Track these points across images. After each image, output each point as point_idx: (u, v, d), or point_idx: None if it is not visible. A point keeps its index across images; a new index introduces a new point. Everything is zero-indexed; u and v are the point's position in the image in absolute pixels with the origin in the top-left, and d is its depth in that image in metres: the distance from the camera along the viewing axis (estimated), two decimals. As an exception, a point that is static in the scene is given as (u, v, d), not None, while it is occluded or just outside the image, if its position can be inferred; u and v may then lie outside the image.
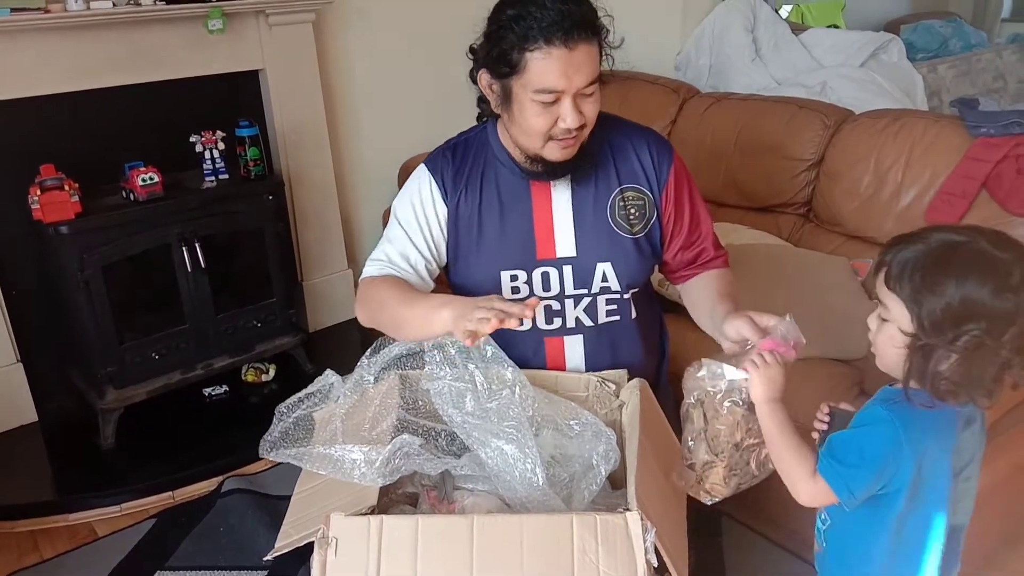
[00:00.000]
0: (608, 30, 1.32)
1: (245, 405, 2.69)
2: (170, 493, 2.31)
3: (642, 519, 1.14)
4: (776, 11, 3.99)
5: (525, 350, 1.50)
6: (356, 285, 3.21)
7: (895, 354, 1.10)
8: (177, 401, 2.58)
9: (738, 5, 3.27)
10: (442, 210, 1.50)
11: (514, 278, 1.48)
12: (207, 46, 2.59)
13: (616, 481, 1.50)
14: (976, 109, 2.14)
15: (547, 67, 1.25)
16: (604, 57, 1.32)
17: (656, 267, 1.59)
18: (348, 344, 3.12)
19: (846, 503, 1.12)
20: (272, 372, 2.79)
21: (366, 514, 1.18)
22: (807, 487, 1.15)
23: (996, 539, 1.93)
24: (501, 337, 1.39)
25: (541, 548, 1.13)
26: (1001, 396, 1.08)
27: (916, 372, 1.06)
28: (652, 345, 1.61)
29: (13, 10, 2.19)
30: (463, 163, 1.49)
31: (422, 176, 1.51)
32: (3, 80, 2.28)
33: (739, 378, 1.23)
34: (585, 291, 1.48)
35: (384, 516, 1.17)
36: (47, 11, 2.25)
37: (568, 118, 1.29)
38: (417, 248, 1.50)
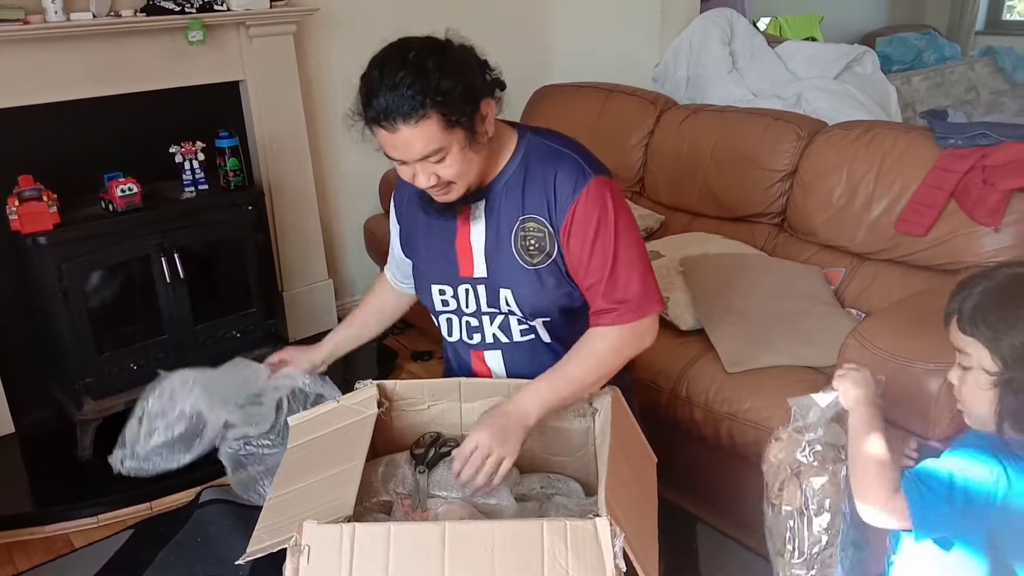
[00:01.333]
0: (465, 93, 1.30)
1: (225, 415, 2.69)
2: (148, 504, 2.30)
3: (611, 525, 1.16)
4: (754, 24, 4.05)
5: (459, 363, 1.62)
6: (336, 295, 3.25)
7: (984, 399, 1.08)
8: (156, 412, 2.58)
9: (715, 18, 3.31)
10: (396, 228, 1.66)
11: (442, 291, 1.55)
12: (187, 57, 2.60)
13: (590, 488, 1.52)
14: (945, 120, 2.19)
15: (382, 140, 1.34)
16: (455, 123, 1.30)
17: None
18: (329, 354, 3.13)
19: (917, 529, 1.09)
20: (252, 382, 2.79)
21: (339, 521, 1.19)
22: (883, 500, 1.12)
23: None
24: (448, 349, 1.60)
25: (512, 554, 1.14)
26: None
27: (1008, 411, 1.05)
28: None
29: (-8, 21, 2.19)
30: (404, 182, 1.53)
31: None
32: (-19, 91, 2.29)
33: (831, 396, 1.23)
34: (496, 309, 1.52)
35: (356, 524, 1.18)
36: (27, 22, 2.26)
37: (418, 179, 1.37)
38: (399, 256, 1.68)
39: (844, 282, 2.29)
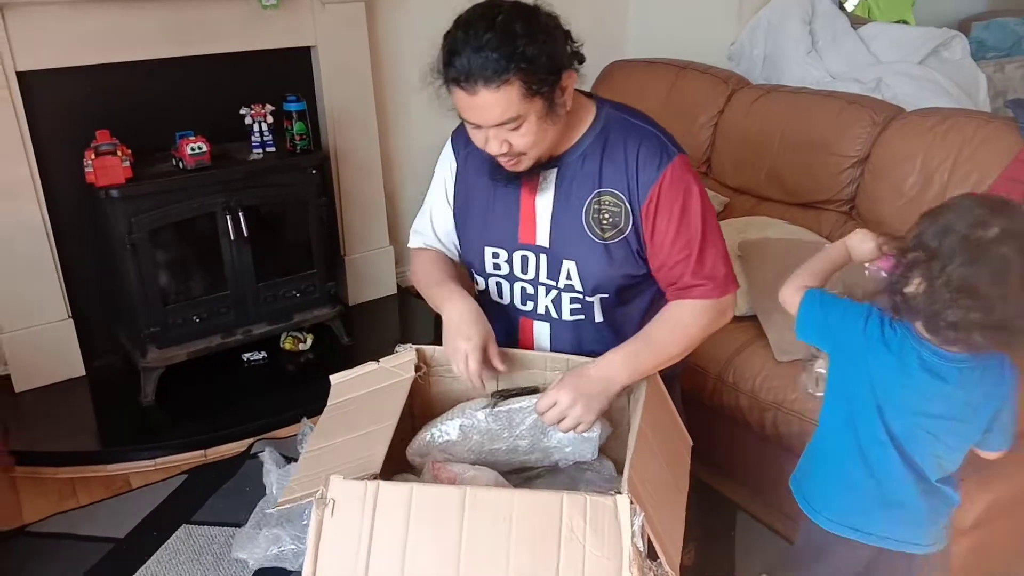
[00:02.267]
0: (548, 61, 1.28)
1: (282, 372, 2.77)
2: (203, 451, 2.40)
3: (632, 503, 1.15)
4: (840, 4, 3.90)
5: (504, 325, 1.57)
6: (396, 262, 3.29)
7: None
8: (217, 364, 2.68)
9: (796, -4, 3.20)
10: (452, 170, 1.57)
11: (496, 255, 1.52)
12: (261, 21, 2.66)
13: (621, 465, 1.51)
14: (1031, 111, 2.07)
15: (459, 102, 1.31)
16: (535, 92, 1.28)
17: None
18: (386, 318, 3.19)
19: (797, 327, 1.40)
20: (309, 342, 2.87)
21: (365, 479, 1.22)
22: (792, 290, 1.41)
23: (1016, 551, 1.89)
24: (484, 308, 1.50)
25: (530, 524, 1.15)
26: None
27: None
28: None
29: (76, -20, 2.28)
30: None
31: (447, 143, 1.60)
32: (65, 48, 2.38)
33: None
34: (554, 283, 1.50)
35: (380, 482, 1.20)
36: (108, -18, 2.34)
37: (490, 146, 1.34)
38: (444, 219, 1.60)
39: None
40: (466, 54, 1.25)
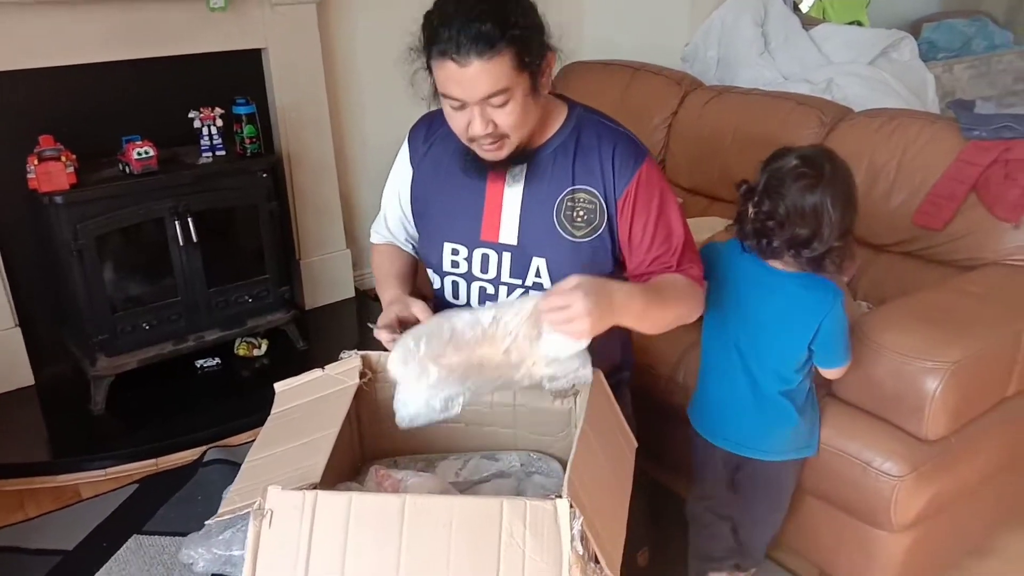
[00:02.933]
0: (536, 36, 1.29)
1: (236, 378, 2.74)
2: (154, 460, 2.37)
3: (571, 507, 1.15)
4: (796, 5, 3.95)
5: None
6: (354, 265, 3.27)
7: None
8: (170, 371, 2.64)
9: (749, -2, 3.23)
10: (408, 173, 1.57)
11: (455, 252, 1.51)
12: (209, 23, 2.62)
13: (569, 468, 1.51)
14: (971, 111, 2.11)
15: (446, 77, 1.28)
16: (525, 65, 1.27)
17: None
18: (343, 322, 3.16)
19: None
20: (264, 347, 2.84)
21: (304, 488, 1.21)
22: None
23: (993, 523, 1.93)
24: (436, 307, 1.47)
25: (469, 530, 1.15)
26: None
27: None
28: (599, 349, 1.58)
29: (16, -18, 2.23)
30: (438, 127, 1.51)
31: (404, 141, 1.58)
32: (7, 51, 2.34)
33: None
34: (519, 281, 1.49)
35: (319, 492, 1.19)
36: (50, -16, 2.30)
37: (473, 125, 1.31)
38: (396, 217, 1.62)
39: (858, 273, 2.23)
40: (457, 24, 1.22)
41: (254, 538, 1.17)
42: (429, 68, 1.31)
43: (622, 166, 1.42)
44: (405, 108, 1.41)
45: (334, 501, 1.18)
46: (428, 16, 1.29)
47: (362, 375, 1.51)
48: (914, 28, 4.29)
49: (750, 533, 1.78)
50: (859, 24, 4.46)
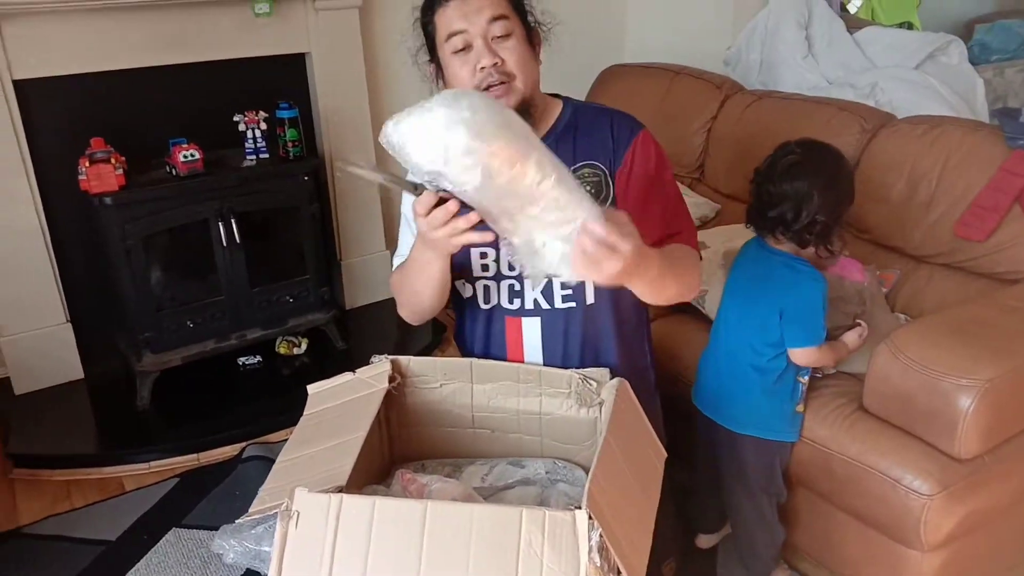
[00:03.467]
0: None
1: (276, 376, 2.81)
2: (196, 455, 2.44)
3: (590, 518, 1.17)
4: (843, 6, 3.88)
5: (487, 329, 1.57)
6: (393, 266, 3.31)
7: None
8: (212, 368, 2.71)
9: (792, 0, 3.18)
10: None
11: (484, 255, 1.53)
12: (254, 29, 2.69)
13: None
14: (1016, 120, 2.06)
15: (450, 16, 1.36)
16: (520, 10, 1.39)
17: None
18: (383, 323, 3.20)
19: None
20: (304, 346, 2.90)
21: (330, 491, 1.24)
22: None
23: (999, 564, 1.89)
24: (464, 315, 1.54)
25: (489, 539, 1.16)
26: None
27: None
28: (620, 345, 1.58)
29: (71, -10, 2.32)
30: None
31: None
32: (60, 56, 2.43)
33: None
34: None
35: (344, 495, 1.22)
36: (103, -8, 2.38)
37: (482, 58, 1.35)
38: (409, 244, 1.58)
39: (897, 285, 2.20)
40: None
41: (280, 538, 1.20)
42: (430, 44, 1.41)
43: (620, 134, 1.46)
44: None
45: (359, 504, 1.20)
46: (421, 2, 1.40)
47: (391, 379, 1.54)
48: (967, 29, 4.18)
49: (734, 520, 1.89)
50: (910, 25, 4.36)
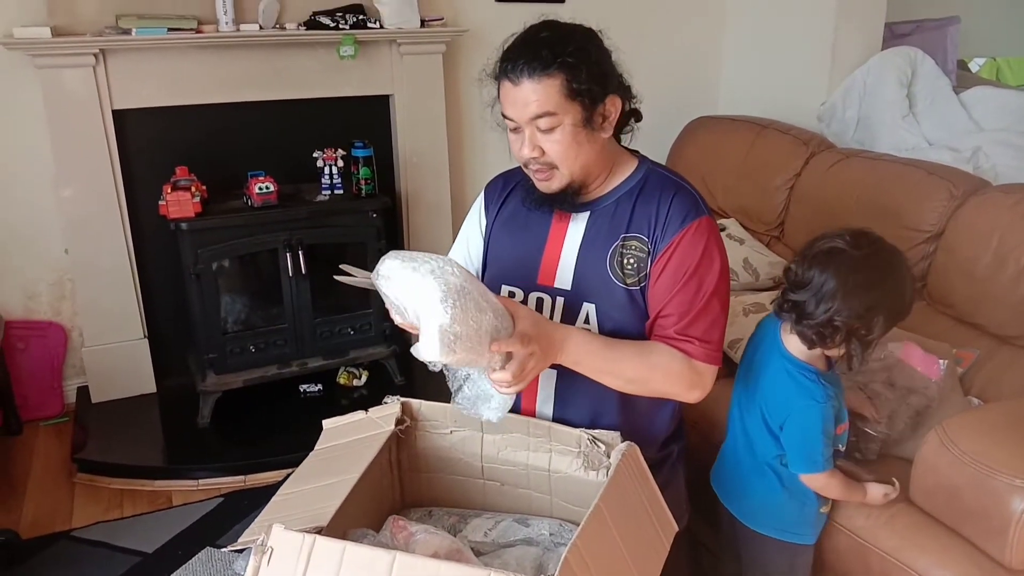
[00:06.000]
0: (592, 69, 1.33)
1: (335, 405, 2.84)
2: (243, 477, 2.49)
3: (559, 589, 1.10)
4: (964, 64, 3.66)
5: None
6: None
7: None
8: (275, 393, 2.79)
9: (895, 57, 3.03)
10: (483, 223, 1.61)
11: (512, 295, 1.51)
12: (340, 70, 2.79)
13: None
14: (1122, 194, 1.86)
15: (503, 96, 1.36)
16: (576, 93, 1.32)
17: None
18: (443, 362, 3.21)
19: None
20: (364, 378, 2.94)
21: (307, 531, 1.23)
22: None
23: None
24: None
25: (452, 598, 1.12)
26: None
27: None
28: (622, 411, 1.50)
29: (170, 30, 2.48)
30: (513, 180, 1.58)
31: (480, 196, 1.65)
32: (157, 89, 2.60)
33: None
34: (570, 325, 1.45)
35: (317, 536, 1.20)
36: (199, 31, 2.53)
37: (523, 149, 1.36)
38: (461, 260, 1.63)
39: (975, 366, 2.01)
40: (519, 48, 1.33)
41: (252, 573, 1.20)
42: (498, 95, 1.40)
43: (674, 217, 1.40)
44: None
45: (330, 548, 1.18)
46: (502, 46, 1.38)
47: (400, 422, 1.53)
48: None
49: None
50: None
